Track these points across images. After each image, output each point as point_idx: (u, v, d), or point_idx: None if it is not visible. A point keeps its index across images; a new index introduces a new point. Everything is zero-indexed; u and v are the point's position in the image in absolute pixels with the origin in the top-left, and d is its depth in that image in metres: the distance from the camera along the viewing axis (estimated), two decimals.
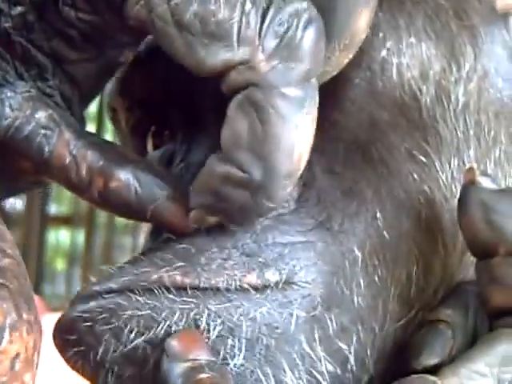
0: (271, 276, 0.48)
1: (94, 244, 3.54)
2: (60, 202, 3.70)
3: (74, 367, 0.49)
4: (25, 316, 0.39)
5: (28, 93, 0.49)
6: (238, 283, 0.47)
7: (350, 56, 0.48)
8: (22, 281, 0.40)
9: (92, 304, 0.48)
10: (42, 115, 0.48)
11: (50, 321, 0.50)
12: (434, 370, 0.46)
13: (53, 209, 3.62)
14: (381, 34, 0.54)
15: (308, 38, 0.44)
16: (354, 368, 0.49)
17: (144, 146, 0.62)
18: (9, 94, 0.48)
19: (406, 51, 0.54)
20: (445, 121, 0.53)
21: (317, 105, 0.45)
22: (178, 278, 0.47)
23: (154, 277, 0.47)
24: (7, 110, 0.48)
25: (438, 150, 0.52)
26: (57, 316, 0.50)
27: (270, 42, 0.43)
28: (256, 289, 0.47)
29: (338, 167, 0.52)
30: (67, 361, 0.49)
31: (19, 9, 0.48)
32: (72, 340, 0.48)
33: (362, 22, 0.47)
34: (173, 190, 0.48)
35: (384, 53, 0.53)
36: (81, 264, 3.53)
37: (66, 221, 3.68)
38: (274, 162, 0.44)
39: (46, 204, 3.53)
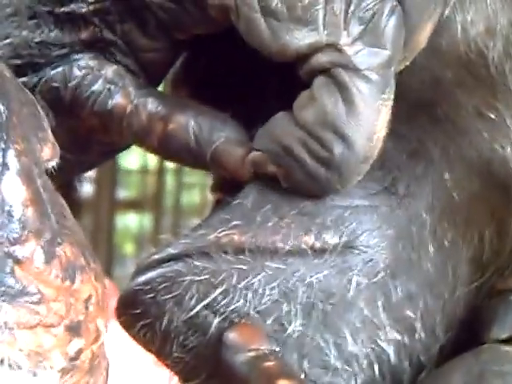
0: (330, 238, 0.47)
1: (161, 227, 3.58)
2: (128, 186, 3.76)
3: (142, 342, 0.49)
4: (92, 264, 0.39)
5: (95, 54, 0.50)
6: (294, 242, 0.46)
7: (407, 63, 0.48)
8: (84, 240, 0.41)
9: (152, 274, 0.48)
10: (108, 70, 0.49)
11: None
12: (507, 340, 0.45)
13: (121, 194, 3.68)
14: None
15: (391, 25, 0.45)
16: (423, 336, 0.47)
17: None
18: (76, 57, 0.49)
19: (469, 7, 0.52)
20: None
21: (393, 93, 0.46)
22: (236, 238, 0.47)
23: (211, 238, 0.47)
24: (75, 70, 0.49)
25: (508, 105, 0.50)
26: None
27: (355, 27, 0.44)
28: (314, 251, 0.46)
29: (402, 128, 0.50)
30: (135, 337, 0.49)
31: None
32: (137, 314, 0.48)
33: (423, 36, 0.47)
34: (233, 133, 0.48)
35: (447, 11, 0.52)
36: (149, 247, 3.58)
37: (134, 205, 3.73)
38: (356, 143, 0.44)
39: (115, 189, 3.59)
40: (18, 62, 0.49)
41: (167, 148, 0.49)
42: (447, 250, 0.48)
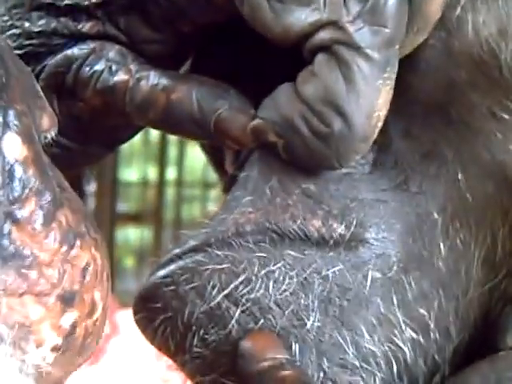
0: (337, 227, 0.47)
1: (162, 240, 3.58)
2: (128, 200, 3.76)
3: (160, 339, 0.48)
4: (92, 233, 0.38)
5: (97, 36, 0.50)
6: (302, 222, 0.46)
7: (425, 37, 0.48)
8: (84, 209, 0.39)
9: (172, 267, 0.47)
10: (110, 50, 0.50)
11: (122, 317, 0.50)
12: None
13: (121, 207, 3.68)
14: None
15: (391, 3, 0.45)
16: (438, 336, 0.47)
17: None
18: (79, 41, 0.50)
19: (481, 7, 0.52)
20: None
21: (395, 73, 0.46)
22: (252, 216, 0.47)
23: (229, 220, 0.47)
24: (77, 51, 0.50)
25: None
26: (128, 312, 0.49)
27: (355, 6, 0.44)
28: (325, 241, 0.46)
29: (415, 130, 0.50)
30: (152, 334, 0.48)
31: None
32: (157, 308, 0.47)
33: (435, 5, 0.47)
34: (236, 101, 0.49)
35: (458, 11, 0.52)
36: (150, 260, 3.56)
37: (134, 218, 3.73)
38: (354, 121, 0.44)
39: (115, 202, 3.59)
40: (20, 52, 0.50)
41: (171, 119, 0.50)
42: (460, 250, 0.48)
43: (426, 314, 0.47)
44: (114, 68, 0.50)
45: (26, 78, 0.39)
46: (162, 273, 0.48)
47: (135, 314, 0.49)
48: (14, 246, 0.35)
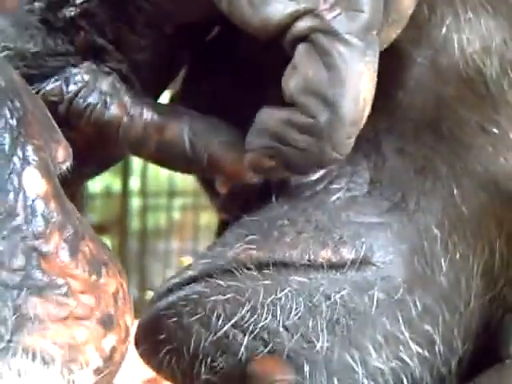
0: (347, 253, 0.47)
1: (127, 250, 3.55)
2: (92, 210, 3.72)
3: (166, 369, 0.48)
4: (113, 261, 0.39)
5: (90, 67, 0.50)
6: (312, 257, 0.47)
7: (399, 31, 0.48)
8: (99, 238, 0.40)
9: (173, 298, 0.48)
10: (103, 83, 0.50)
11: None
12: None
13: (87, 217, 3.65)
14: (438, 12, 0.53)
15: None
16: (442, 350, 0.48)
17: None
18: (73, 71, 0.50)
19: (465, 26, 0.53)
20: None
21: (377, 58, 0.45)
22: (253, 253, 0.47)
23: (230, 254, 0.47)
24: (71, 84, 0.50)
25: (509, 119, 0.52)
26: None
27: None
28: (332, 265, 0.47)
29: (408, 146, 0.51)
30: (157, 365, 0.49)
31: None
32: (162, 340, 0.47)
33: None
34: (228, 136, 0.49)
35: (444, 30, 0.53)
36: None
37: (99, 229, 3.70)
38: (341, 107, 0.43)
39: (81, 213, 3.56)
40: None
41: (164, 156, 0.50)
42: (459, 264, 0.49)
43: (430, 329, 0.48)
44: (108, 101, 0.50)
45: (41, 110, 0.39)
46: (163, 304, 0.48)
47: (138, 346, 0.49)
48: (46, 276, 0.36)
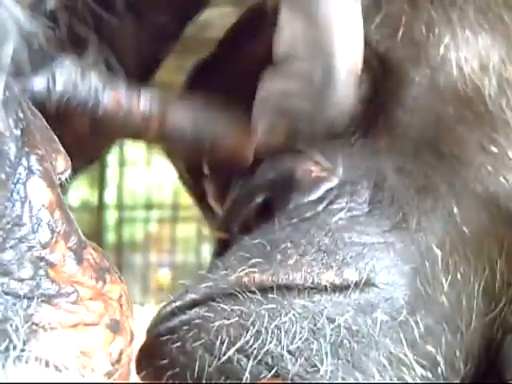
0: (350, 275, 0.47)
1: None
2: None
3: None
4: (113, 267, 0.40)
5: (75, 62, 0.50)
6: (316, 280, 0.46)
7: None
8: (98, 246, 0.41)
9: (175, 322, 0.47)
10: (92, 77, 0.50)
11: None
12: None
13: None
14: (436, 31, 0.53)
15: None
16: (445, 371, 0.48)
17: None
18: (58, 69, 0.50)
19: (462, 45, 0.53)
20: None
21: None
22: (257, 276, 0.46)
23: (233, 278, 0.47)
24: (59, 79, 0.49)
25: (508, 139, 0.52)
26: None
27: None
28: (335, 288, 0.47)
29: (408, 165, 0.51)
30: None
31: None
32: (164, 365, 0.46)
33: None
34: (228, 116, 0.50)
35: (442, 49, 0.53)
36: None
37: None
38: (332, 49, 0.44)
39: None
40: None
41: (166, 140, 0.51)
42: (460, 283, 0.49)
43: (433, 350, 0.47)
44: (99, 94, 0.50)
45: (40, 121, 0.40)
46: (165, 328, 0.47)
47: (139, 370, 0.48)
48: (55, 285, 0.36)
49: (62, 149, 0.41)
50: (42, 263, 0.36)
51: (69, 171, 0.41)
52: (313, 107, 0.45)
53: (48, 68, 0.50)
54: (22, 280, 0.35)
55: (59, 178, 0.40)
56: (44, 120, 0.41)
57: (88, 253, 0.38)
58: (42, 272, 0.36)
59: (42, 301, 0.35)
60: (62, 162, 0.40)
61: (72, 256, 0.37)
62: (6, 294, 0.35)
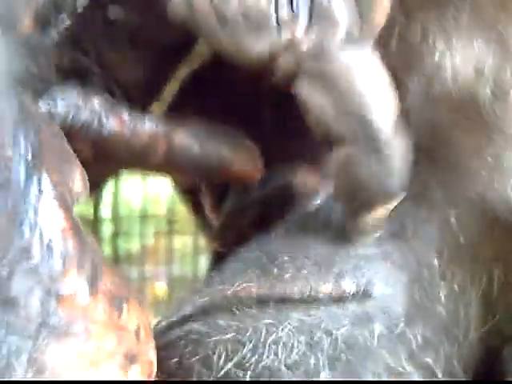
0: (347, 286, 0.47)
1: None
2: None
3: None
4: (132, 292, 0.38)
5: (77, 88, 0.49)
6: (312, 293, 0.46)
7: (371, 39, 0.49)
8: (114, 268, 0.39)
9: (171, 337, 0.46)
10: (95, 101, 0.49)
11: None
12: None
13: None
14: (431, 38, 0.53)
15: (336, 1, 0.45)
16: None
17: None
18: (60, 93, 0.49)
19: (457, 52, 0.53)
20: (507, 117, 0.52)
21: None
22: (253, 291, 0.46)
23: (229, 292, 0.46)
24: (60, 104, 0.49)
25: (503, 146, 0.51)
26: None
27: (303, 17, 0.44)
28: (333, 300, 0.46)
29: None
30: None
31: (67, 22, 0.49)
32: (162, 380, 0.46)
33: (380, 14, 0.48)
34: (236, 137, 0.49)
35: (436, 56, 0.53)
36: None
37: None
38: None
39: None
40: None
41: (174, 163, 0.50)
42: (457, 293, 0.49)
43: (431, 361, 0.47)
44: (102, 118, 0.49)
45: (58, 141, 0.38)
46: (160, 343, 0.46)
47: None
48: (64, 323, 0.34)
49: (80, 169, 0.39)
50: (52, 298, 0.34)
51: (87, 193, 0.39)
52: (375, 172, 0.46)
53: (50, 92, 0.49)
54: (28, 317, 0.33)
55: (77, 199, 0.38)
56: (65, 140, 0.40)
57: (104, 282, 0.36)
58: (51, 309, 0.34)
59: (49, 342, 0.33)
60: (79, 184, 0.38)
61: (85, 287, 0.35)
62: (11, 334, 0.33)
